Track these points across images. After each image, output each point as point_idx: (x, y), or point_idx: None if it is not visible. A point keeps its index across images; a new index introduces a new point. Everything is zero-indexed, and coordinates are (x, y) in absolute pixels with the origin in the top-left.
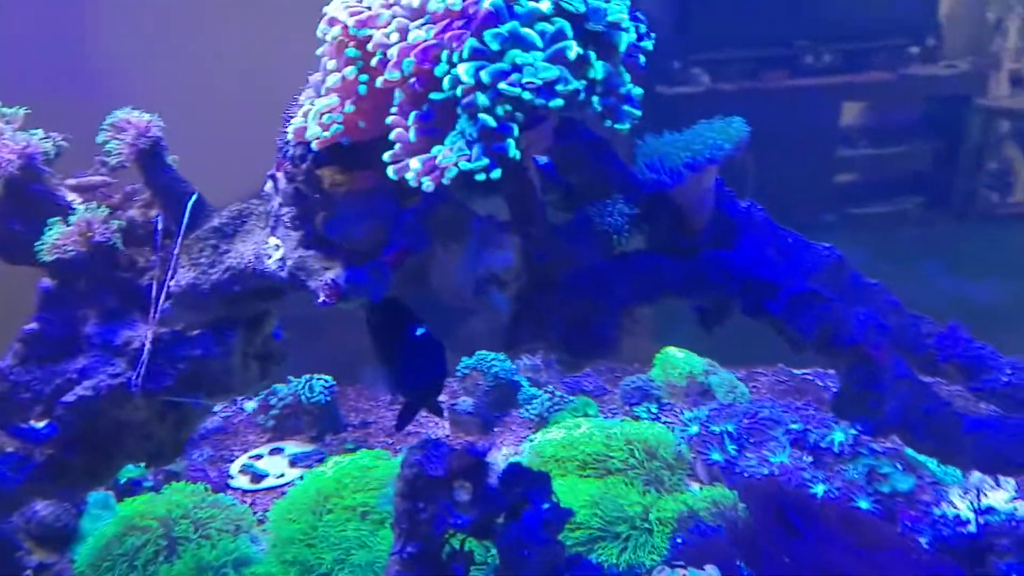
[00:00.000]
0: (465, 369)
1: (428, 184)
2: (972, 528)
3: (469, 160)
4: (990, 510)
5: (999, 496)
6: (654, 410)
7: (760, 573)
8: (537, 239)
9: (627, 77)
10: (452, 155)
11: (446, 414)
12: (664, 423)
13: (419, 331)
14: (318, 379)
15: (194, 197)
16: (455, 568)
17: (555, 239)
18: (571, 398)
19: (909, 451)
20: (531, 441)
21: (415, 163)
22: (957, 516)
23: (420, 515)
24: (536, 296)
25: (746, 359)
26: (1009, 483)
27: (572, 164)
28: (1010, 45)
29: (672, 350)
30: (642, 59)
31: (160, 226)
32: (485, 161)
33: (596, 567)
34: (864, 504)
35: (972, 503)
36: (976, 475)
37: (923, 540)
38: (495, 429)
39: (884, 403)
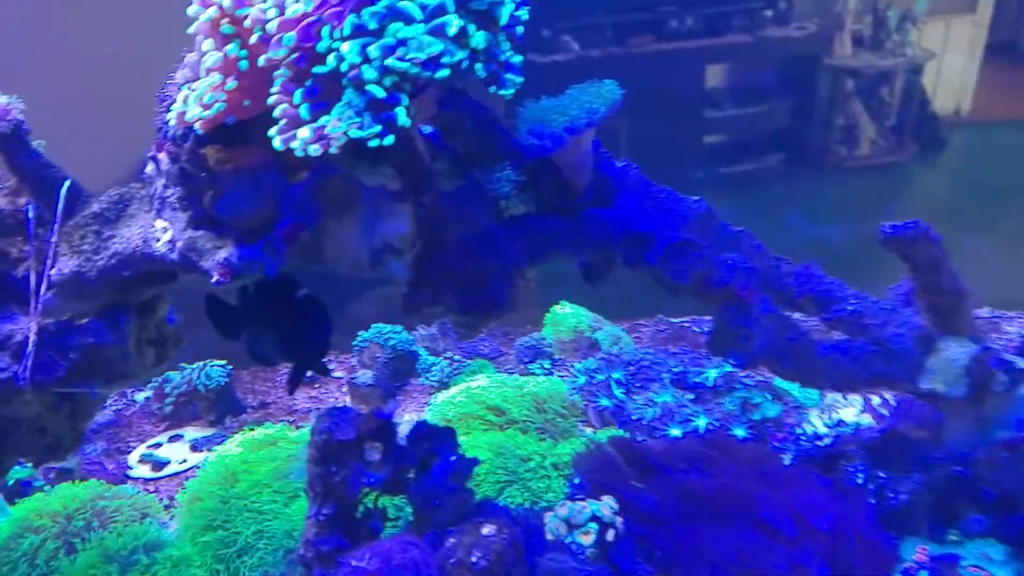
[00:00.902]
0: (363, 343)
1: (316, 149)
2: (827, 441)
3: (360, 128)
4: (840, 423)
5: (849, 412)
6: (547, 366)
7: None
8: (428, 207)
9: (507, 46)
10: (342, 124)
11: (346, 388)
12: (557, 376)
13: (301, 294)
14: (213, 365)
15: (67, 183)
16: (371, 525)
17: (445, 206)
18: (469, 362)
19: (777, 382)
20: (433, 404)
21: (304, 132)
22: (815, 432)
23: (333, 478)
24: (431, 262)
25: (628, 313)
26: (856, 400)
27: (457, 132)
28: (851, 6)
29: (560, 308)
30: (519, 29)
31: (32, 214)
32: (377, 128)
33: (503, 508)
34: (740, 431)
35: (826, 420)
36: (830, 396)
37: (788, 456)
38: (397, 398)
39: (752, 337)
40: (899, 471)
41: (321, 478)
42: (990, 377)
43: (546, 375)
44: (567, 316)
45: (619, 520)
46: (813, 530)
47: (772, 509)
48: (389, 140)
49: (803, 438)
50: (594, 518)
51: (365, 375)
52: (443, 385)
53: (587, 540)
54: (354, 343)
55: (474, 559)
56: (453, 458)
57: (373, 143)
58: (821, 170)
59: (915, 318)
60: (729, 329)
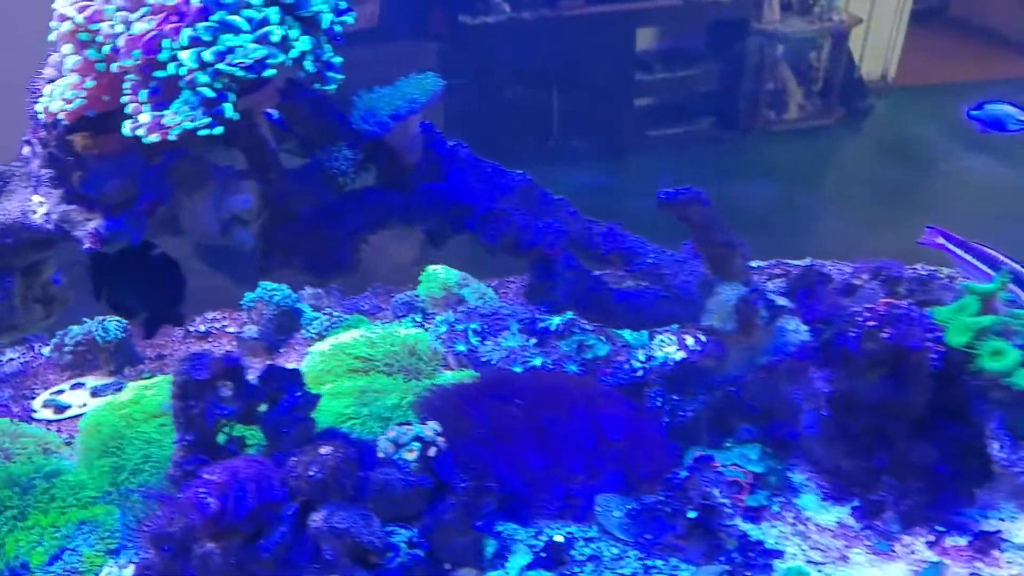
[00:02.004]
0: (251, 303)
1: (155, 138)
2: (639, 373)
3: (192, 120)
4: (651, 359)
5: (669, 349)
6: (418, 319)
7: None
8: (273, 182)
9: (329, 48)
10: (178, 117)
11: (235, 341)
12: (422, 327)
13: (156, 255)
14: (111, 320)
15: None
16: (230, 449)
17: (291, 181)
18: (347, 317)
19: (625, 333)
20: (308, 354)
21: (144, 117)
22: (632, 366)
23: (192, 411)
24: (280, 230)
25: (500, 271)
26: (673, 338)
27: (300, 118)
28: None
29: (434, 268)
30: (338, 28)
31: None
32: (207, 120)
33: (342, 433)
34: (572, 368)
35: (641, 356)
36: (658, 338)
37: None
38: (280, 350)
39: (557, 289)
40: (688, 394)
41: (182, 411)
42: (754, 313)
43: (416, 327)
44: (439, 275)
45: (441, 439)
46: (609, 441)
47: (575, 425)
48: (219, 130)
49: (623, 372)
50: (417, 438)
51: (251, 330)
52: (321, 338)
53: (411, 456)
54: (243, 301)
55: (311, 473)
56: (298, 394)
57: (203, 132)
58: (749, 134)
59: (699, 267)
60: (538, 282)
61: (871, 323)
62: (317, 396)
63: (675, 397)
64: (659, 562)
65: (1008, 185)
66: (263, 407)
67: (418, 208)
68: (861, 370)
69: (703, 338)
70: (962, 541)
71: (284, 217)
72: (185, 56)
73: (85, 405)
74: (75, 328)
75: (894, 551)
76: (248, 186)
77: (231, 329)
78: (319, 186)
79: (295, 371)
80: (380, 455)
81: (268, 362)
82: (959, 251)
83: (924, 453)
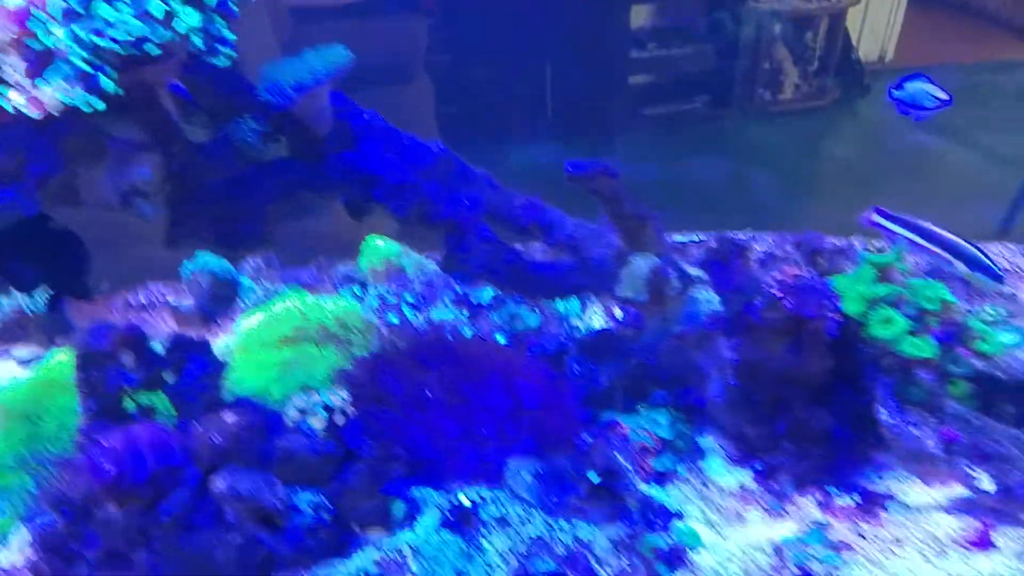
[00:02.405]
0: (188, 273)
1: (37, 114)
2: (563, 341)
3: (69, 95)
4: (576, 328)
5: (596, 320)
6: (357, 291)
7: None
8: (176, 154)
9: (221, 23)
10: (54, 92)
11: (171, 312)
12: (365, 301)
13: (53, 229)
14: (41, 291)
15: None
16: (135, 417)
17: (196, 154)
18: (284, 289)
19: (559, 304)
20: (237, 325)
21: (20, 98)
22: (558, 336)
23: (94, 380)
24: (188, 202)
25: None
26: (599, 307)
27: (204, 89)
28: None
29: (374, 240)
30: (235, 7)
31: None
32: (85, 95)
33: (248, 401)
34: (500, 338)
35: (567, 326)
36: (589, 309)
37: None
38: (217, 321)
39: (471, 259)
40: (605, 362)
41: (85, 380)
42: (665, 284)
43: (356, 298)
44: (379, 247)
45: (349, 407)
46: (522, 407)
47: (489, 392)
48: (100, 105)
49: (548, 342)
50: (324, 406)
51: (186, 301)
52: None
53: (318, 424)
54: (181, 272)
55: (214, 439)
56: (204, 362)
57: (85, 108)
58: (744, 113)
59: (615, 239)
60: (451, 253)
61: (775, 293)
62: (223, 364)
63: (592, 365)
64: (563, 523)
65: (995, 168)
66: (170, 376)
67: (328, 179)
68: (764, 339)
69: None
70: (850, 502)
71: (190, 189)
72: (59, 32)
73: (13, 377)
74: (3, 299)
75: (786, 511)
76: (147, 158)
77: (173, 300)
78: (226, 158)
79: (201, 340)
80: (288, 423)
81: (205, 334)
82: (898, 228)
83: (820, 419)
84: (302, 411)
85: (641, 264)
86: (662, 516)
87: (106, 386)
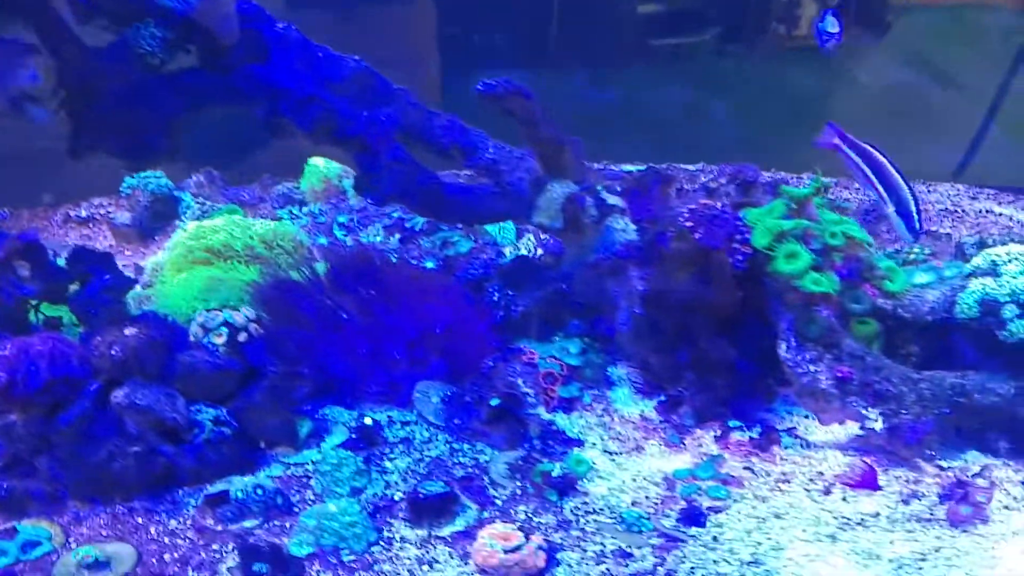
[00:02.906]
0: (128, 189)
1: None
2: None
3: None
4: (501, 255)
5: (526, 245)
6: (295, 211)
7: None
8: (71, 59)
9: None
10: None
11: (108, 226)
12: (298, 221)
13: None
14: None
15: None
16: (35, 327)
17: (94, 59)
18: (221, 207)
19: (489, 228)
20: (169, 241)
21: None
22: (487, 262)
23: None
24: (87, 111)
25: None
26: (531, 238)
27: None
28: None
29: (315, 160)
30: None
31: None
32: None
33: (153, 316)
34: (430, 263)
35: (493, 253)
36: (525, 237)
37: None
38: (155, 237)
39: (382, 180)
40: (523, 289)
41: None
42: (580, 211)
43: (292, 219)
44: (319, 168)
45: (253, 325)
46: (433, 332)
47: (401, 315)
48: None
49: (471, 268)
50: (226, 323)
51: (124, 215)
52: None
53: (219, 340)
54: (121, 188)
55: (113, 352)
56: (107, 277)
57: None
58: (756, 49)
59: (535, 164)
60: (361, 172)
61: (686, 223)
62: (128, 279)
63: (510, 292)
64: (465, 446)
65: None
66: (73, 289)
67: (236, 92)
68: (672, 269)
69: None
70: (747, 437)
71: (88, 97)
72: None
73: None
74: None
75: (684, 444)
76: (37, 62)
77: (113, 215)
78: (127, 65)
79: (105, 253)
80: (192, 339)
81: (141, 249)
82: (850, 152)
83: (723, 351)
84: (204, 328)
85: (558, 191)
86: (561, 443)
87: (3, 296)
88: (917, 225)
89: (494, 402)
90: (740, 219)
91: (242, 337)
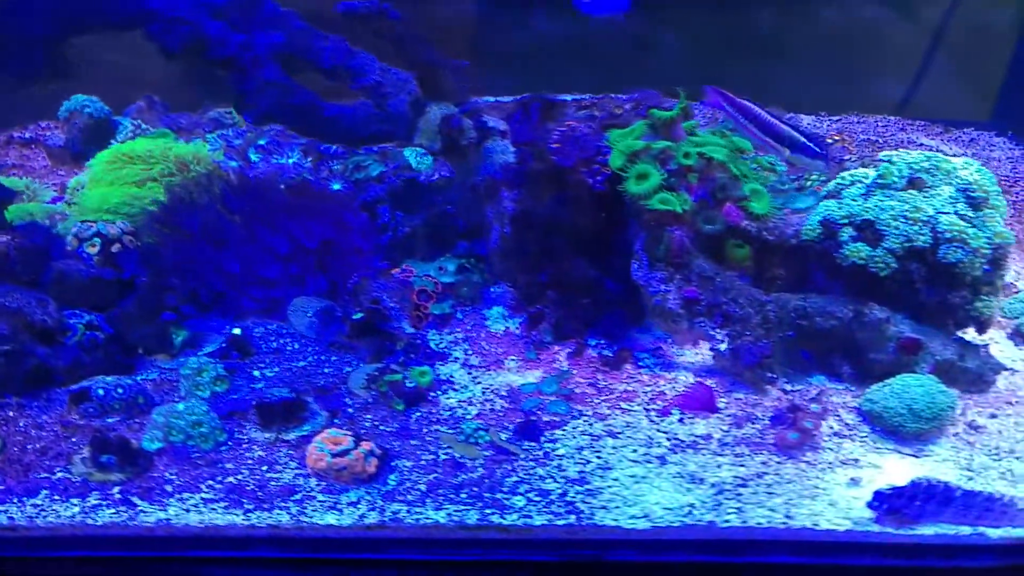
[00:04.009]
0: (65, 113)
1: None
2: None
3: None
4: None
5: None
6: (225, 135)
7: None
8: None
9: None
10: None
11: (45, 148)
12: (216, 144)
13: None
14: None
15: None
16: None
17: None
18: (152, 130)
19: (407, 152)
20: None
21: None
22: (380, 184)
23: None
24: None
25: None
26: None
27: None
28: None
29: None
30: None
31: None
32: None
33: (34, 225)
34: (336, 185)
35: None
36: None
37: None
38: (88, 158)
39: (257, 99)
40: (412, 211)
41: None
42: (457, 134)
43: (216, 142)
44: None
45: (127, 237)
46: (305, 249)
47: (281, 233)
48: None
49: (372, 191)
50: (99, 234)
51: (58, 136)
52: None
53: (93, 250)
54: (59, 112)
55: None
56: None
57: None
58: None
59: (415, 87)
60: (235, 92)
61: (553, 145)
62: (10, 192)
63: (399, 213)
64: (333, 358)
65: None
66: None
67: (106, 15)
68: (537, 190)
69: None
70: (599, 355)
71: None
72: None
73: None
74: None
75: (540, 359)
76: None
77: (50, 137)
78: None
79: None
80: (69, 248)
81: (75, 170)
82: (728, 110)
83: (583, 270)
84: (78, 238)
85: (435, 113)
86: (425, 357)
87: None
88: (816, 150)
89: (357, 316)
90: (602, 140)
91: (115, 248)
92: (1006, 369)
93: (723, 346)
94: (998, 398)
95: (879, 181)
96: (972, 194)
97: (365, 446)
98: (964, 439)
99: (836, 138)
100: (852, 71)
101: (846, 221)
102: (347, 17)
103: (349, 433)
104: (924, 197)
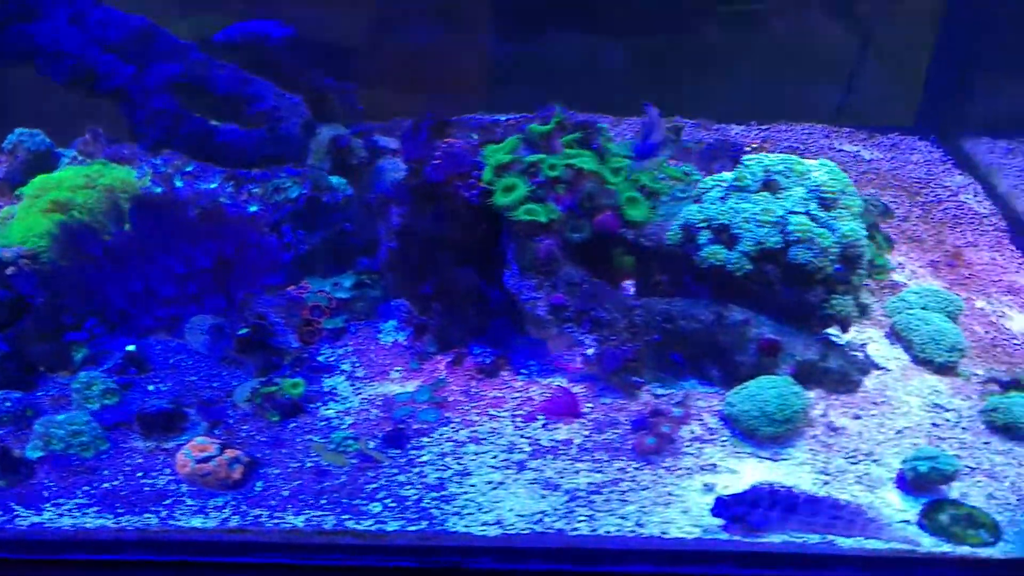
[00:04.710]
0: (8, 145)
1: None
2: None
3: None
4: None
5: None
6: (156, 162)
7: None
8: None
9: None
10: None
11: None
12: (145, 172)
13: None
14: None
15: None
16: None
17: None
18: (91, 162)
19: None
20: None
21: None
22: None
23: None
24: None
25: None
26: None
27: None
28: None
29: None
30: None
31: None
32: None
33: None
34: (254, 207)
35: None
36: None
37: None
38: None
39: (147, 128)
40: (313, 229)
41: None
42: (347, 153)
43: (146, 170)
44: None
45: (23, 260)
46: (199, 269)
47: (182, 254)
48: None
49: (283, 211)
50: None
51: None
52: None
53: None
54: (3, 144)
55: None
56: None
57: None
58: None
59: (307, 110)
60: (129, 123)
61: (435, 161)
62: None
63: (300, 232)
64: (224, 373)
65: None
66: None
67: (6, 50)
68: (420, 205)
69: None
70: (477, 363)
71: None
72: None
73: None
74: None
75: (422, 369)
76: None
77: None
78: None
79: None
80: None
81: (13, 200)
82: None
83: (464, 280)
84: None
85: (325, 134)
86: (312, 370)
87: None
88: (633, 156)
89: (241, 332)
90: (477, 156)
91: (10, 271)
92: (878, 368)
93: (590, 351)
94: (866, 398)
95: (735, 184)
96: (823, 195)
97: (230, 453)
98: (823, 441)
99: (754, 146)
100: (790, 80)
101: (704, 225)
102: (225, 48)
103: (216, 441)
104: (776, 199)
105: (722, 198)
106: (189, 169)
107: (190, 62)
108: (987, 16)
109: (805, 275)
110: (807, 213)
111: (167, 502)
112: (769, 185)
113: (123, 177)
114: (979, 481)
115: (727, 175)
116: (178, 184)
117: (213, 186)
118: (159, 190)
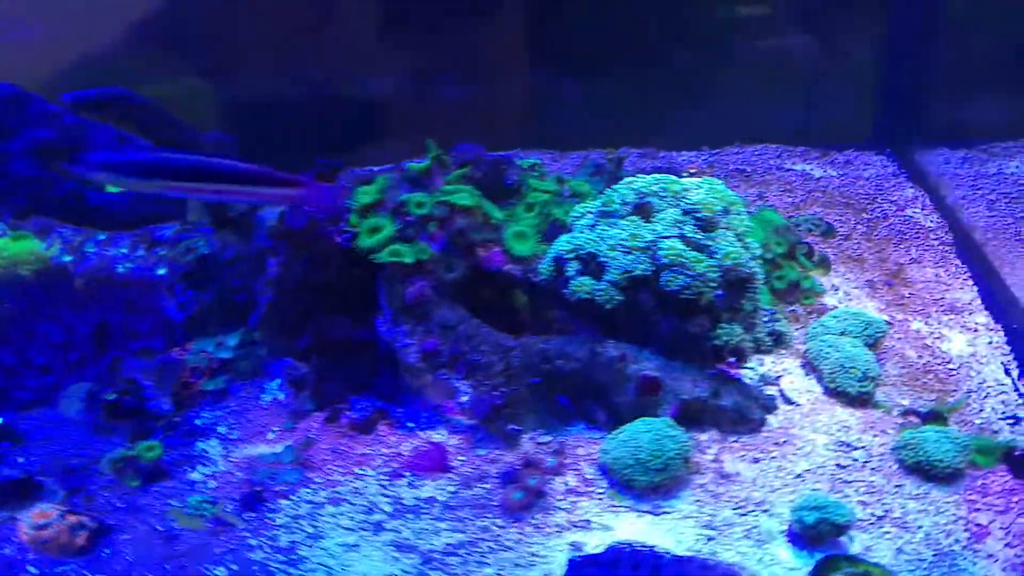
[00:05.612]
0: None
1: None
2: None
3: None
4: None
5: None
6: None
7: None
8: None
9: None
10: None
11: None
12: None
13: None
14: None
15: None
16: None
17: None
18: (14, 232)
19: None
20: None
21: None
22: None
23: None
24: None
25: None
26: None
27: None
28: None
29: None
30: None
31: None
32: None
33: None
34: (162, 270)
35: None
36: None
37: None
38: None
39: (11, 197)
40: (204, 288)
41: None
42: (222, 206)
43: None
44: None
45: None
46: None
47: (58, 323)
48: None
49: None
50: None
51: None
52: None
53: None
54: None
55: None
56: None
57: None
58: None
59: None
60: None
61: (306, 207)
62: None
63: (191, 291)
64: (98, 441)
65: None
66: None
67: None
68: (292, 253)
69: None
70: (349, 418)
71: None
72: None
73: None
74: None
75: (296, 427)
76: None
77: None
78: None
79: None
80: None
81: None
82: None
83: (338, 330)
84: None
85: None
86: (186, 434)
87: None
88: None
89: (110, 397)
90: (346, 199)
91: None
92: (790, 403)
93: (464, 398)
94: (768, 439)
95: (603, 209)
96: (699, 215)
97: (72, 519)
98: (711, 490)
99: (693, 171)
100: (749, 102)
101: (572, 255)
102: (77, 106)
103: (59, 507)
104: (647, 223)
105: (591, 226)
106: (102, 236)
107: (64, 126)
108: (933, 23)
109: (683, 303)
110: (680, 236)
111: (13, 571)
112: (642, 208)
113: (30, 248)
114: (887, 532)
115: (594, 202)
116: (90, 251)
117: (123, 251)
118: (68, 259)
